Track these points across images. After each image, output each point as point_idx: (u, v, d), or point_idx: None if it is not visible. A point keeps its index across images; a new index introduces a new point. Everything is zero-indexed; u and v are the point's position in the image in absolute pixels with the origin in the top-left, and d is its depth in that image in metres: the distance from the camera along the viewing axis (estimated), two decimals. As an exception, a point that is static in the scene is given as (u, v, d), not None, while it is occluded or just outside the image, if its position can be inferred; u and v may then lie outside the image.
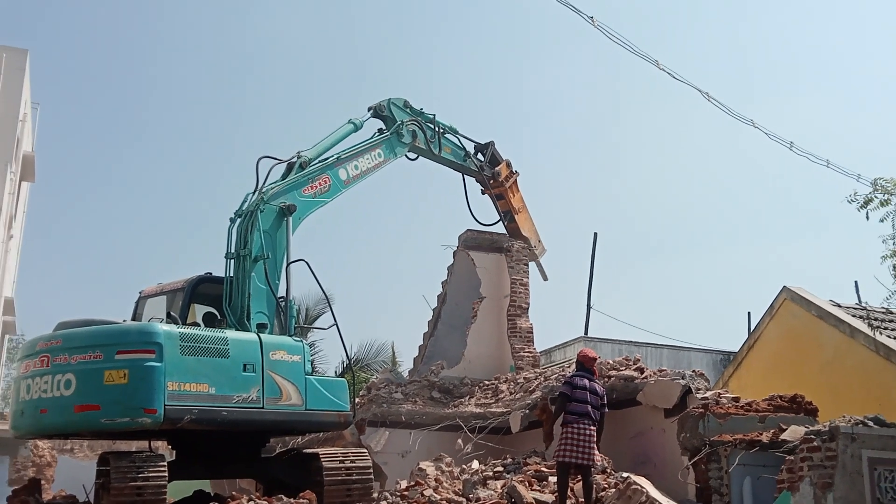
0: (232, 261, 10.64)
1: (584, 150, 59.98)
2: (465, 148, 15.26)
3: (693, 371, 12.00)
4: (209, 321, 10.36)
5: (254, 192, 10.98)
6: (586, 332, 21.86)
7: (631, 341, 19.89)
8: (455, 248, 16.77)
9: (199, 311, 10.62)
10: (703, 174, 56.63)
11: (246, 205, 10.89)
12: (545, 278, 16.74)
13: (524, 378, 14.56)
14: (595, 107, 60.78)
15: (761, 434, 9.93)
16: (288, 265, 10.84)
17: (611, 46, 14.53)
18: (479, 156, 15.70)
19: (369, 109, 13.49)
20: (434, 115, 14.31)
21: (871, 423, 9.18)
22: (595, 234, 26.21)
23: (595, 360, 10.57)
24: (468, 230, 16.51)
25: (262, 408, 9.58)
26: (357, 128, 13.00)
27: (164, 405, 8.87)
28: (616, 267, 48.89)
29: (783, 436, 9.66)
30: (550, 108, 61.29)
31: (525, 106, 60.30)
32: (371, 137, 13.13)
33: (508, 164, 16.03)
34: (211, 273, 10.73)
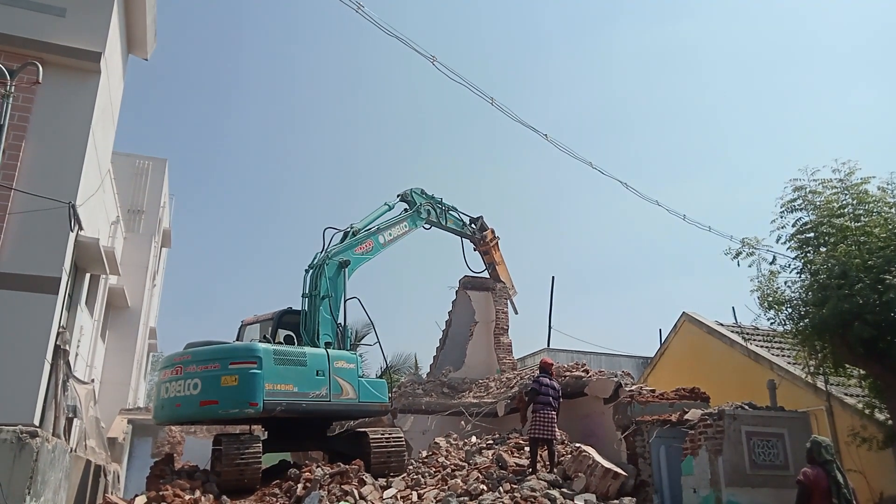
0: (306, 299, 10.68)
1: (547, 221, 60.39)
2: (462, 220, 15.35)
3: (622, 371, 11.97)
4: (288, 341, 10.32)
5: (321, 252, 11.08)
6: (548, 345, 21.70)
7: (580, 351, 19.72)
8: (457, 289, 16.78)
9: (280, 334, 10.57)
10: (624, 236, 56.86)
11: (316, 260, 10.98)
12: (516, 312, 16.64)
13: (506, 377, 14.50)
14: (551, 193, 61.30)
15: (671, 415, 9.88)
16: (345, 301, 10.88)
17: (560, 154, 14.80)
18: (473, 225, 15.77)
19: (398, 196, 13.61)
20: (441, 198, 14.47)
21: (746, 407, 9.17)
22: (553, 277, 26.22)
23: (552, 365, 10.56)
24: (465, 276, 16.51)
25: (329, 401, 9.58)
26: (390, 208, 13.13)
27: (263, 400, 8.86)
28: (568, 299, 48.83)
29: (686, 416, 9.61)
30: (520, 194, 61.83)
31: (504, 193, 60.81)
32: (399, 214, 13.25)
33: (493, 231, 16.09)
34: (291, 307, 10.78)
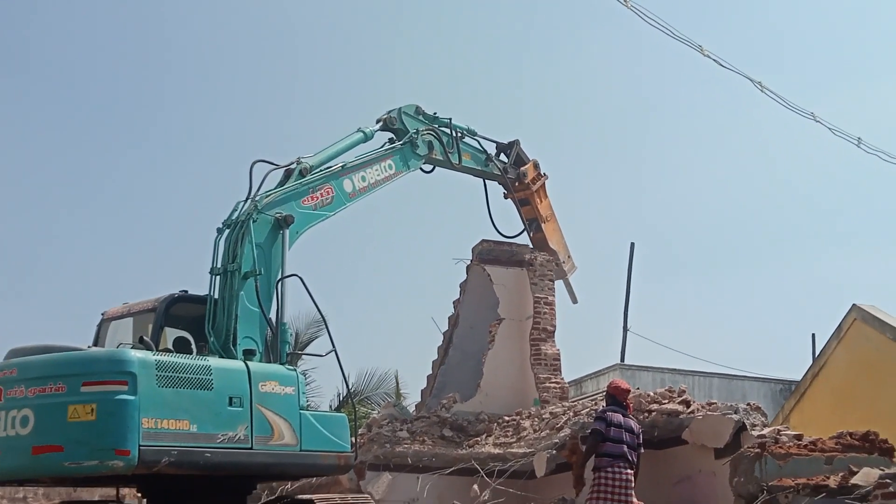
0: (217, 277, 10.76)
1: (618, 148, 59.59)
2: (485, 150, 15.52)
3: (748, 404, 12.03)
4: (181, 347, 10.41)
5: (246, 200, 11.15)
6: (623, 359, 21.91)
7: (675, 369, 19.92)
8: (468, 262, 16.89)
9: (169, 335, 10.67)
10: (757, 175, 56.15)
11: (237, 214, 11.05)
12: (574, 301, 16.86)
13: (550, 413, 14.57)
14: (630, 99, 60.43)
15: (828, 478, 9.92)
16: (278, 281, 10.99)
17: (647, 30, 14.72)
18: (503, 157, 15.93)
19: (378, 122, 13.77)
20: (450, 118, 14.60)
21: (956, 465, 9.29)
22: (632, 244, 26.39)
23: (629, 391, 10.67)
24: (483, 241, 16.61)
25: (251, 448, 9.61)
26: (367, 137, 13.30)
27: (139, 445, 8.86)
28: (657, 282, 48.31)
29: (854, 479, 9.67)
30: (578, 101, 61.06)
31: (549, 100, 60.01)
32: (382, 148, 13.43)
33: (536, 166, 16.23)
34: (186, 291, 10.85)
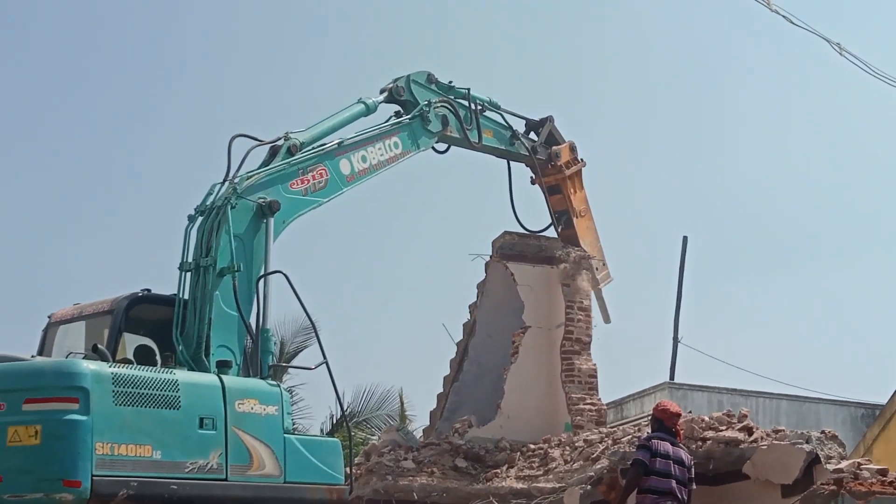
0: (188, 273, 10.82)
1: (669, 121, 59.39)
2: (510, 126, 15.61)
3: (823, 432, 11.96)
4: (143, 357, 10.43)
5: (223, 182, 11.22)
6: (672, 377, 21.91)
7: (735, 389, 19.89)
8: (488, 258, 16.88)
9: (130, 343, 10.74)
10: (836, 153, 55.99)
11: (212, 198, 11.12)
12: (607, 320, 16.84)
13: (584, 440, 14.55)
14: (683, 63, 60.25)
15: (920, 522, 9.97)
16: (260, 278, 11.04)
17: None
18: (532, 135, 16.03)
19: (382, 91, 13.87)
20: (468, 88, 14.70)
21: None
22: (685, 238, 26.32)
23: (679, 415, 10.63)
24: (506, 233, 16.64)
25: (226, 479, 9.65)
26: (369, 110, 13.42)
27: (91, 475, 8.88)
28: (714, 284, 48.32)
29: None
30: (621, 65, 60.84)
31: (587, 63, 59.85)
32: (388, 122, 13.55)
33: (572, 148, 16.32)
34: (150, 290, 10.89)
